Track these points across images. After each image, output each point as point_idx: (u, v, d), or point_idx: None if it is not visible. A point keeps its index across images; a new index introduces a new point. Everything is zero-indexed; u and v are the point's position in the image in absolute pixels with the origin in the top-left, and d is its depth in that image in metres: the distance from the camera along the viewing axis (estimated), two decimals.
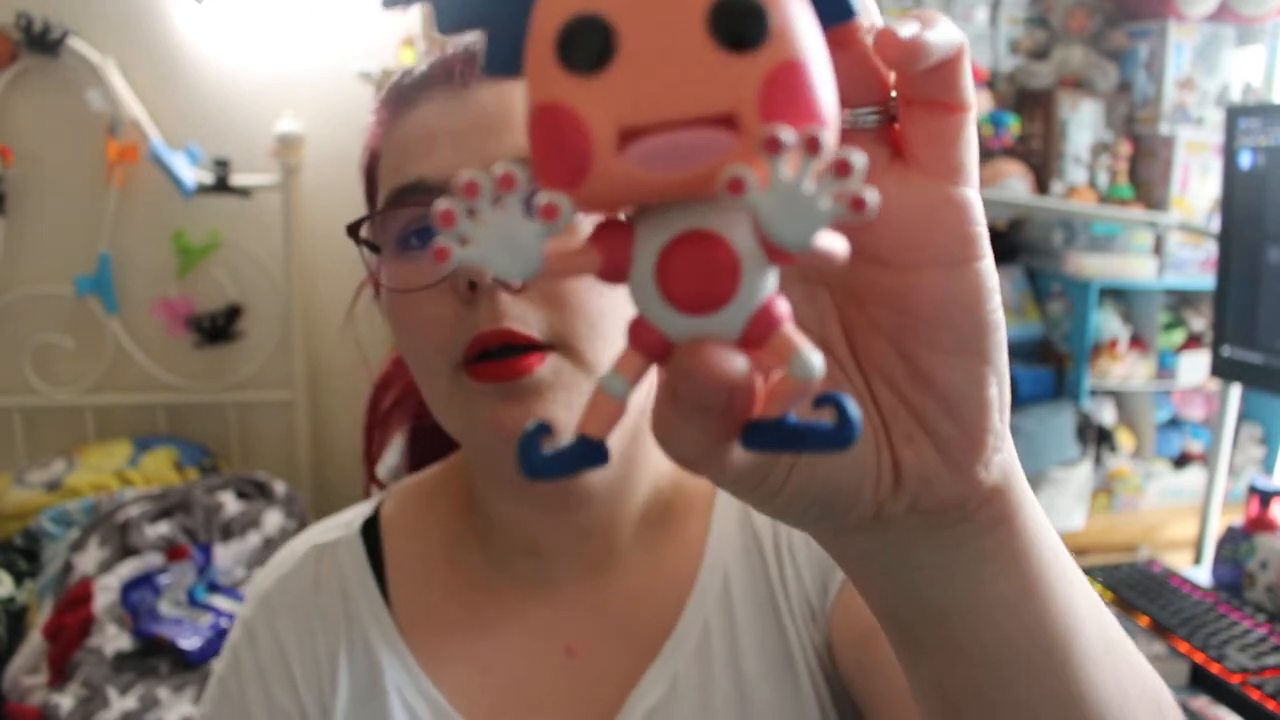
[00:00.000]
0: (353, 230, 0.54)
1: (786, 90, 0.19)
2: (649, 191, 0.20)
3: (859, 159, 0.19)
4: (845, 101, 0.24)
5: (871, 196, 0.19)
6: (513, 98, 0.51)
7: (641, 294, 0.21)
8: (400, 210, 0.52)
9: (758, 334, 0.21)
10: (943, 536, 0.28)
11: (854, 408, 0.21)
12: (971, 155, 0.25)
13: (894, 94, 0.25)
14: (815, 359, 0.21)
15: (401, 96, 0.55)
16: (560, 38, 0.20)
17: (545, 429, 0.23)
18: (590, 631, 0.59)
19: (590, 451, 0.23)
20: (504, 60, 0.21)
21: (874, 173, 0.25)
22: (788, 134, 0.18)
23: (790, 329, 0.21)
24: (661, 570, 0.60)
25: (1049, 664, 0.30)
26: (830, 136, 0.19)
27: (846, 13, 0.21)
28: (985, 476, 0.27)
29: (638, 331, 0.22)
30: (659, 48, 0.19)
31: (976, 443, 0.27)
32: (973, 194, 0.25)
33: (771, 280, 0.21)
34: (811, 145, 0.19)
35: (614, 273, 0.21)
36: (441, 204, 0.20)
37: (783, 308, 0.21)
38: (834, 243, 0.20)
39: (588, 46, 0.20)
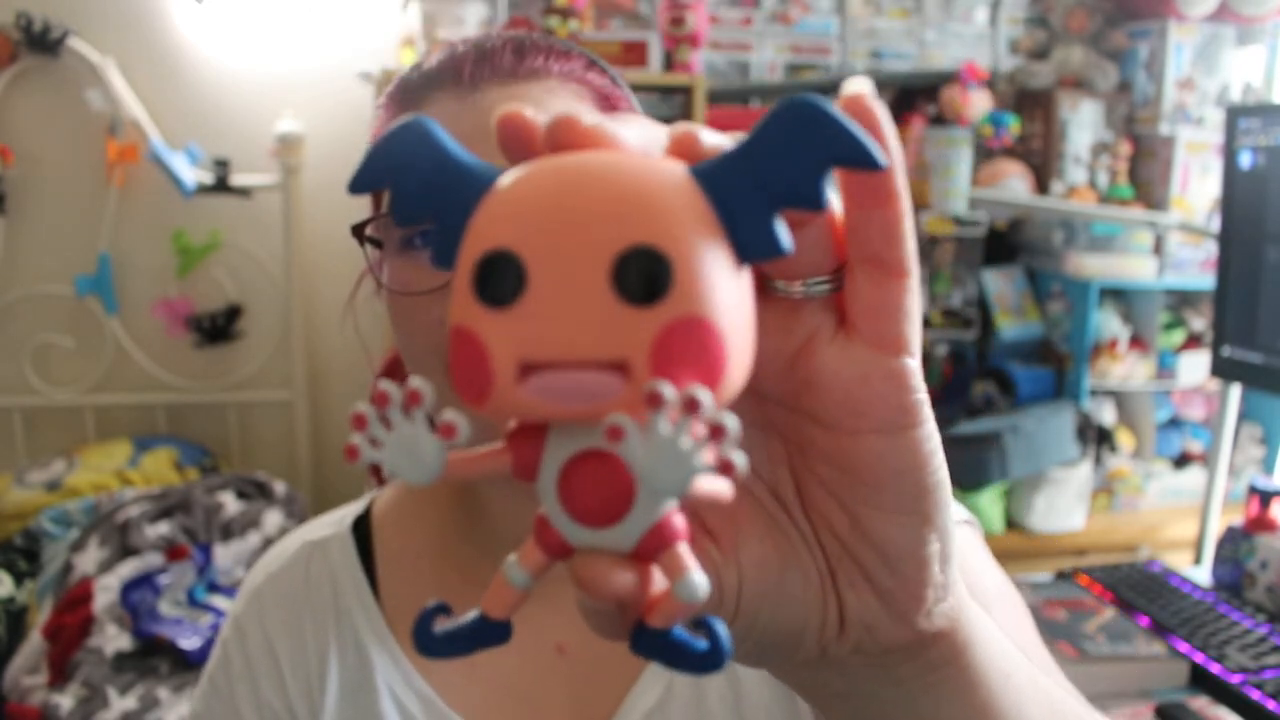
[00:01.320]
0: (357, 231, 0.54)
1: (680, 345, 0.20)
2: (543, 415, 0.21)
3: (733, 424, 0.19)
4: (798, 272, 0.25)
5: (740, 461, 0.20)
6: (522, 103, 0.51)
7: (546, 499, 0.22)
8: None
9: (650, 549, 0.22)
10: (890, 674, 0.29)
11: (724, 633, 0.23)
12: (913, 325, 0.25)
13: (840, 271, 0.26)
14: (699, 582, 0.22)
15: (409, 94, 0.54)
16: (478, 268, 0.21)
17: (442, 609, 0.24)
18: (581, 630, 0.59)
19: (489, 631, 0.24)
20: (446, 254, 0.22)
21: (818, 341, 0.25)
22: (669, 391, 0.19)
23: (682, 549, 0.22)
24: None
25: None
26: (710, 397, 0.20)
27: (774, 250, 0.21)
28: (927, 625, 0.28)
29: (542, 530, 0.23)
30: (565, 291, 0.20)
31: (915, 596, 0.27)
32: (913, 364, 0.26)
33: (667, 501, 0.22)
34: (690, 405, 0.19)
35: (525, 472, 0.22)
36: (358, 407, 0.22)
37: (678, 525, 0.22)
38: (715, 485, 0.21)
39: (500, 281, 0.21)
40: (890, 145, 0.23)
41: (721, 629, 0.23)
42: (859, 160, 0.21)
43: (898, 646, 0.28)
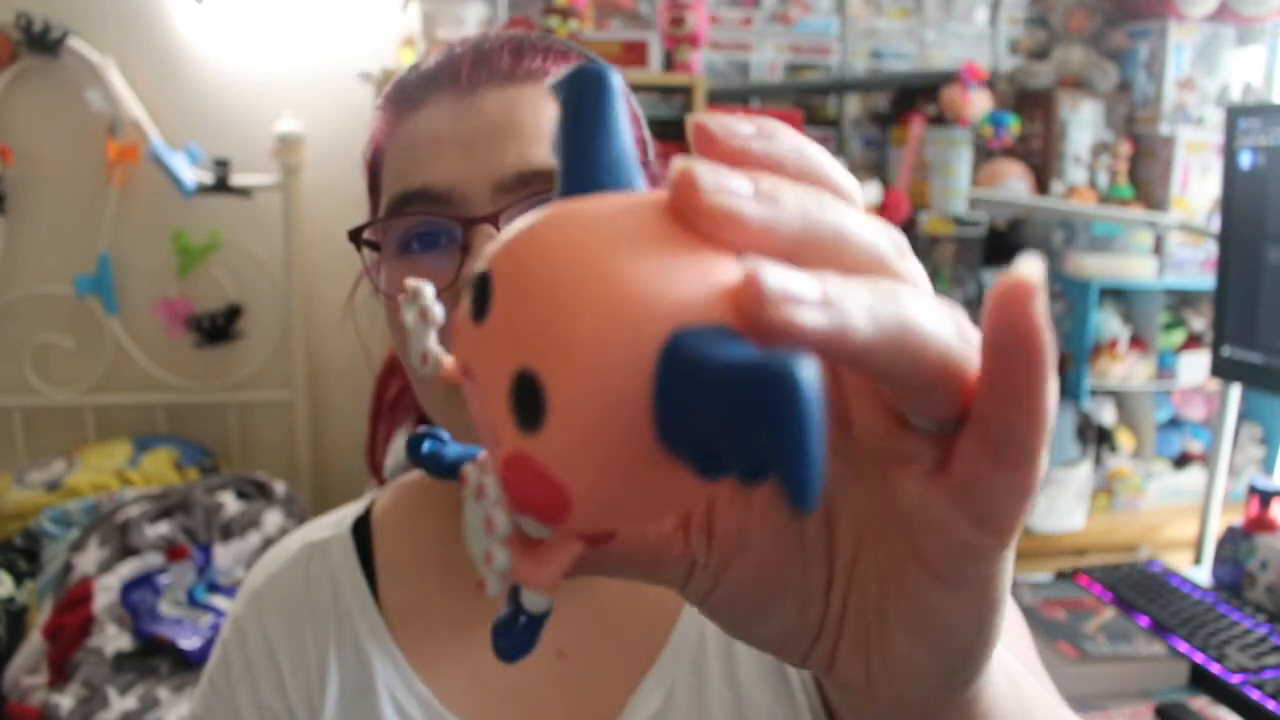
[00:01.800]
0: (355, 235, 0.54)
1: (515, 478, 0.21)
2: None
3: (502, 560, 0.22)
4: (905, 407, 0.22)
5: (493, 588, 0.23)
6: (519, 105, 0.51)
7: None
8: (400, 215, 0.52)
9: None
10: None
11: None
12: (1023, 517, 0.22)
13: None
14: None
15: (407, 95, 0.54)
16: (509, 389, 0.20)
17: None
18: (582, 635, 0.59)
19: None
20: None
21: (910, 475, 0.23)
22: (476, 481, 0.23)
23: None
24: None
25: None
26: (504, 522, 0.22)
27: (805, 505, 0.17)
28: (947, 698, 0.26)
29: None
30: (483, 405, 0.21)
31: (948, 676, 0.25)
32: (1010, 550, 0.23)
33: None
34: (488, 525, 0.22)
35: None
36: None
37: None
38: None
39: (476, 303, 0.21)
40: (1045, 349, 0.20)
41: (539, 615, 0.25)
42: (791, 488, 0.16)
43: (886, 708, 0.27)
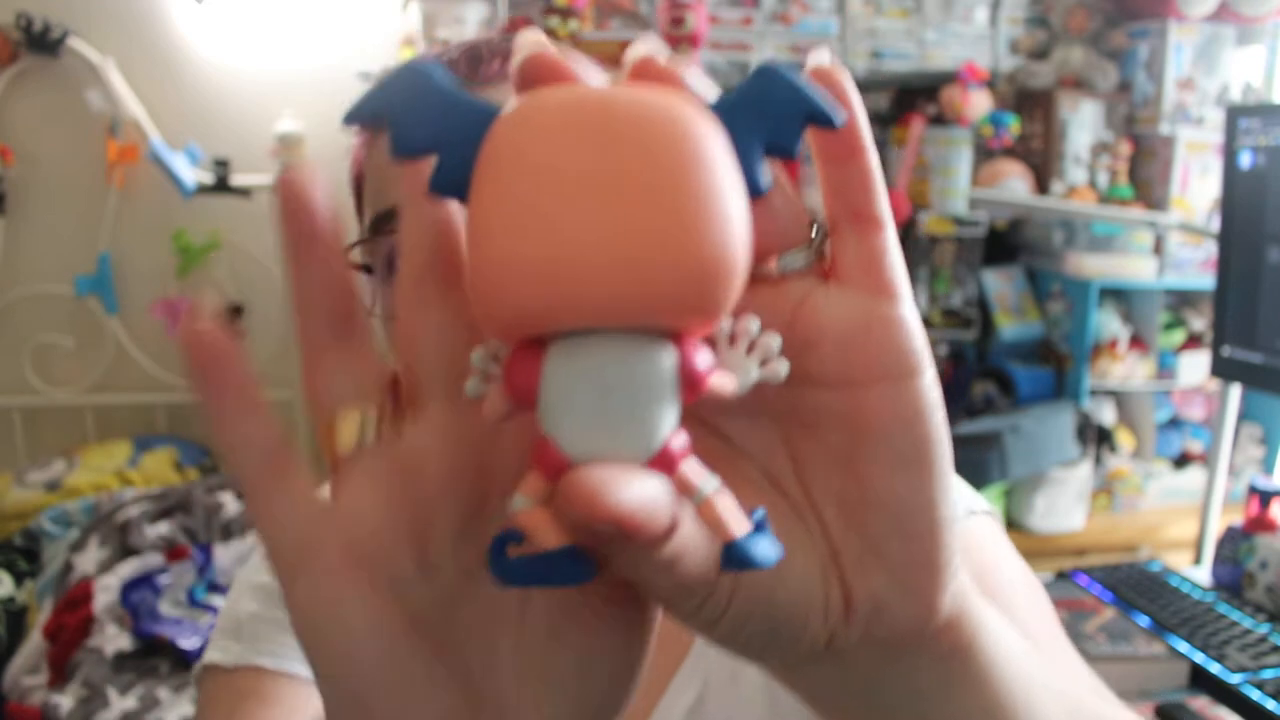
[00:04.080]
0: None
1: None
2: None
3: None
4: (770, 248, 0.25)
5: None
6: None
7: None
8: (380, 237, 0.52)
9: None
10: (899, 667, 0.28)
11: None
12: (901, 274, 0.26)
13: (814, 232, 0.26)
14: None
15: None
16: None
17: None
18: None
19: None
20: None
21: (813, 300, 0.26)
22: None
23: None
24: None
25: None
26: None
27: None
28: (939, 602, 0.27)
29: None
30: None
31: (930, 563, 0.27)
32: (908, 310, 0.26)
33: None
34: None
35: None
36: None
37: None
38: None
39: None
40: (853, 104, 0.25)
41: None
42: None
43: (908, 631, 0.27)
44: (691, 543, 0.23)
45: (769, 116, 0.23)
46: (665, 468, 0.22)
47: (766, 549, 0.22)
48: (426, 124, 0.22)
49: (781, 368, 0.23)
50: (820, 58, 0.25)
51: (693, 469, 0.22)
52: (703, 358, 0.22)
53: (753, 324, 0.23)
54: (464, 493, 0.25)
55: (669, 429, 0.22)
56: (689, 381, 0.22)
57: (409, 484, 0.25)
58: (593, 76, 0.23)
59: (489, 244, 0.21)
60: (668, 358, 0.22)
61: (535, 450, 0.22)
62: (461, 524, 0.26)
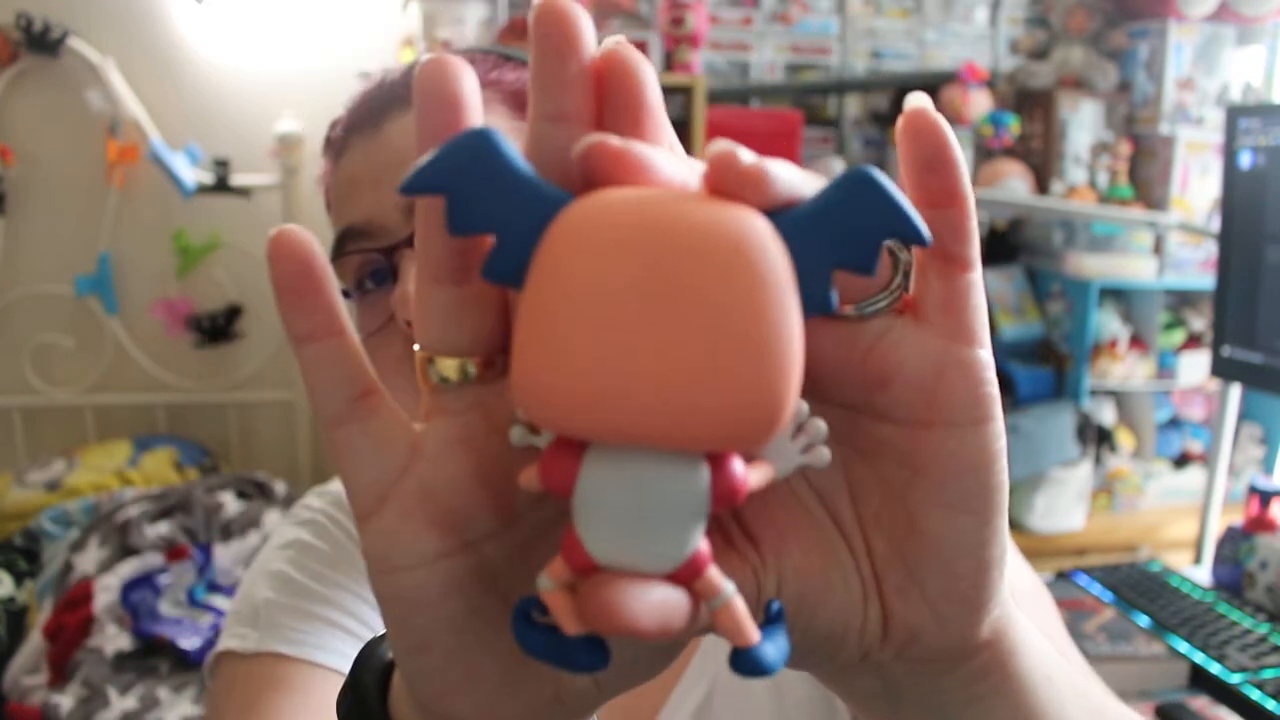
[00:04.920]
0: None
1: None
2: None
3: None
4: (850, 297, 0.26)
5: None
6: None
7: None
8: (339, 259, 0.54)
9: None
10: (933, 682, 0.29)
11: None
12: (981, 318, 0.26)
13: (897, 273, 0.26)
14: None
15: (335, 145, 0.57)
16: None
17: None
18: None
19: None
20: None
21: (890, 338, 0.26)
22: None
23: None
24: None
25: None
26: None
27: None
28: (974, 634, 0.28)
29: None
30: None
31: (970, 601, 0.27)
32: (985, 356, 0.26)
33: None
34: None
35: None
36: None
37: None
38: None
39: None
40: (954, 152, 0.25)
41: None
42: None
43: (943, 654, 0.28)
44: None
45: (848, 235, 0.22)
46: (688, 578, 0.22)
47: (774, 655, 0.23)
48: (487, 204, 0.22)
49: (825, 452, 0.24)
50: (917, 100, 0.25)
51: (713, 576, 0.22)
52: (738, 470, 0.22)
53: (802, 408, 0.24)
54: None
55: (696, 544, 0.22)
56: (723, 496, 0.22)
57: (494, 435, 0.25)
58: (664, 165, 0.22)
59: (536, 350, 0.20)
60: (703, 477, 0.22)
61: (565, 541, 0.22)
62: None
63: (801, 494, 0.28)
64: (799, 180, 0.23)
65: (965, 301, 0.26)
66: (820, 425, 0.24)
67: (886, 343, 0.26)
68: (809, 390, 0.25)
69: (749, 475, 0.23)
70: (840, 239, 0.22)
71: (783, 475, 0.24)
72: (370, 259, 0.53)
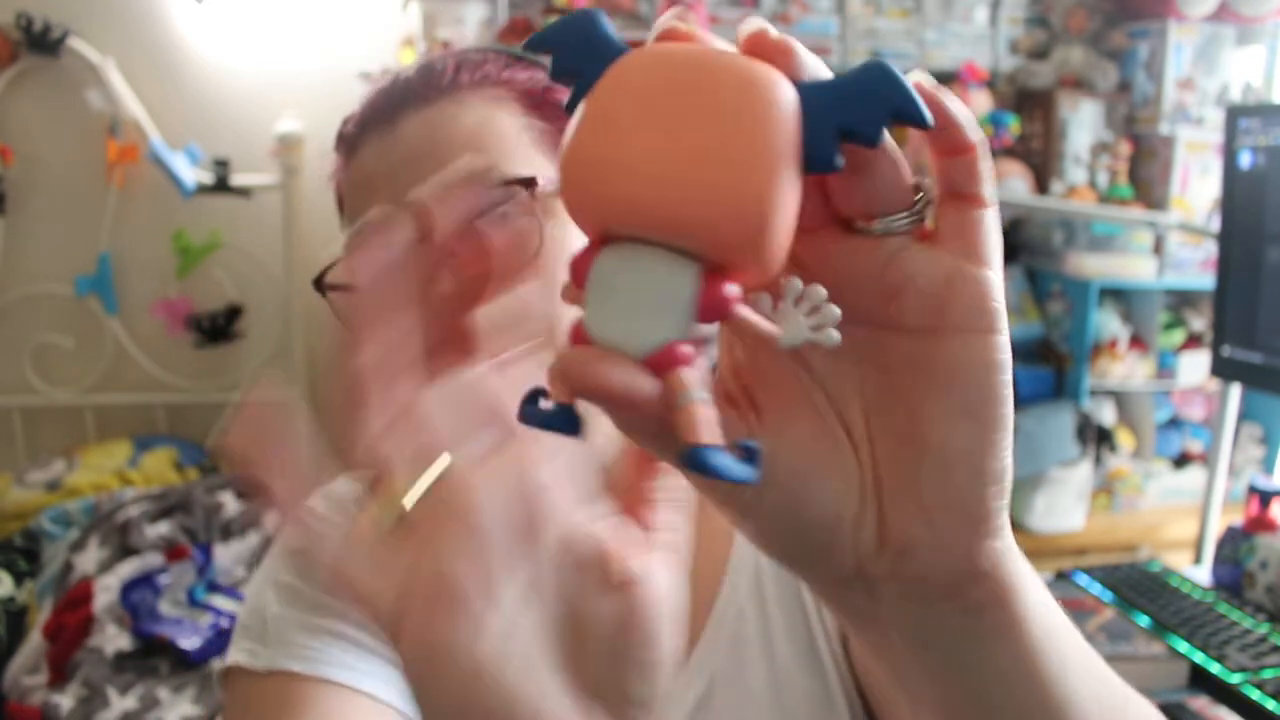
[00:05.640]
0: (317, 282, 0.54)
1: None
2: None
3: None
4: (874, 209, 0.28)
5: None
6: (435, 123, 0.53)
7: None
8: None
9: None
10: (930, 611, 0.29)
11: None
12: (994, 245, 0.28)
13: (918, 197, 0.28)
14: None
15: (348, 142, 0.57)
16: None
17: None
18: None
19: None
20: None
21: (907, 253, 0.28)
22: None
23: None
24: (698, 550, 0.60)
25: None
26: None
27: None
28: (971, 556, 0.28)
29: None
30: None
31: (967, 516, 0.28)
32: (995, 276, 0.28)
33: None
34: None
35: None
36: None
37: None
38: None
39: None
40: (955, 108, 0.27)
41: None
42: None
43: (938, 574, 0.28)
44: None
45: (856, 103, 0.25)
46: (661, 367, 0.25)
47: (727, 463, 0.25)
48: (575, 55, 0.26)
49: (833, 333, 0.25)
50: (918, 76, 0.26)
51: (687, 377, 0.25)
52: (728, 290, 0.25)
53: (815, 289, 0.26)
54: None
55: (672, 336, 0.25)
56: (709, 305, 0.25)
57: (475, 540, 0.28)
58: (718, 44, 0.26)
59: (576, 144, 0.25)
60: (692, 280, 0.25)
61: (573, 329, 0.26)
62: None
63: (817, 400, 0.29)
64: (822, 68, 0.26)
65: (978, 228, 0.28)
66: (833, 309, 0.25)
67: (903, 256, 0.27)
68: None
69: (741, 306, 0.25)
70: (849, 106, 0.25)
71: (788, 344, 0.26)
72: None
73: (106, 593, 1.73)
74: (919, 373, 0.28)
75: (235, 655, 0.61)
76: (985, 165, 0.28)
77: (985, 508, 0.28)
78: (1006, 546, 0.29)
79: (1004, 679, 0.31)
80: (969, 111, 0.27)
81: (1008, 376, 0.28)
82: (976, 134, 0.27)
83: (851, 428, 0.29)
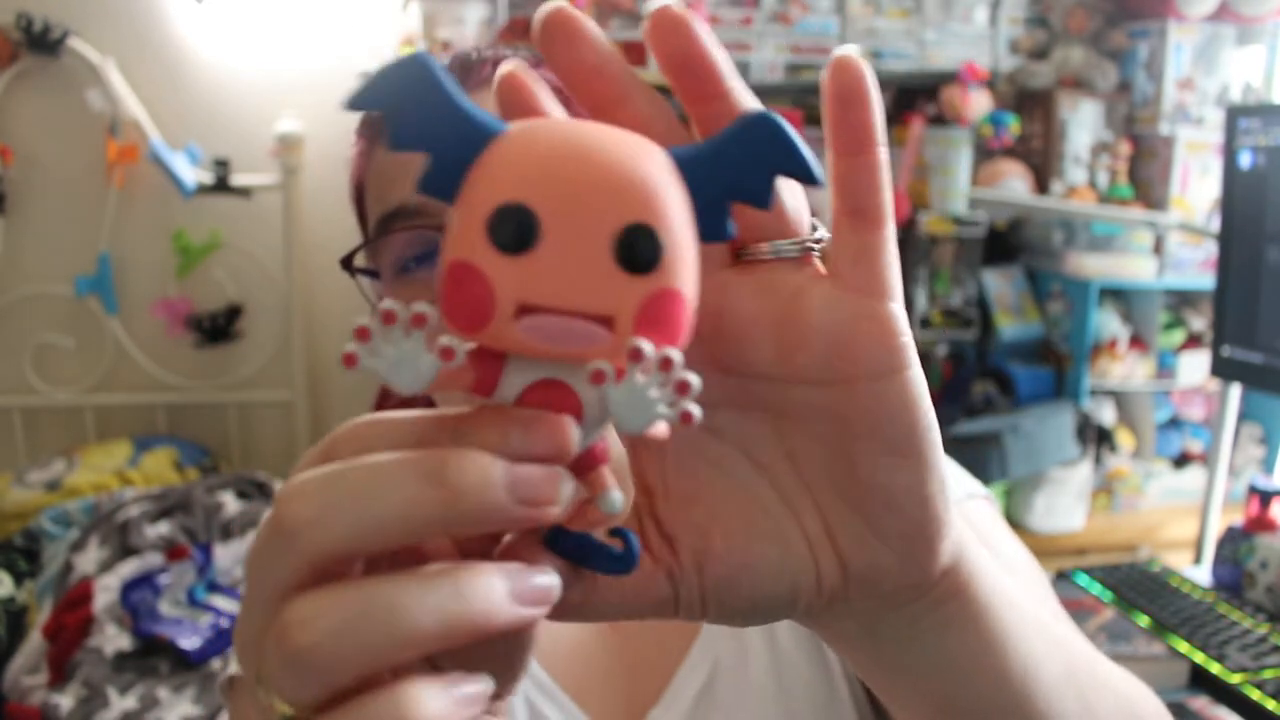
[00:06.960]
0: (346, 262, 0.55)
1: (659, 311, 0.23)
2: (531, 351, 0.24)
3: (696, 381, 0.23)
4: (763, 234, 0.27)
5: (697, 412, 0.24)
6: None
7: None
8: (388, 237, 0.53)
9: (581, 468, 0.25)
10: (900, 612, 0.30)
11: (637, 542, 0.27)
12: (894, 272, 0.27)
13: (812, 226, 0.28)
14: (617, 498, 0.26)
15: (374, 126, 0.57)
16: (494, 215, 0.23)
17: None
18: None
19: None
20: (440, 186, 0.24)
21: (804, 298, 0.27)
22: (649, 348, 0.23)
23: (605, 471, 0.26)
24: None
25: (1014, 703, 0.33)
26: (681, 357, 0.23)
27: (723, 237, 0.25)
28: (934, 565, 0.29)
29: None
30: (571, 250, 0.23)
31: (923, 535, 0.28)
32: (896, 308, 0.27)
33: (603, 431, 0.26)
34: (665, 364, 0.23)
35: (483, 390, 0.25)
36: (360, 321, 0.24)
37: (602, 450, 0.26)
38: (661, 430, 0.24)
39: (514, 231, 0.23)
40: (869, 98, 0.26)
41: (634, 539, 0.27)
42: (805, 176, 0.24)
43: (908, 586, 0.29)
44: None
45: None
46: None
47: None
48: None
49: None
50: (847, 49, 0.26)
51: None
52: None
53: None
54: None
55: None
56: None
57: None
58: (552, 106, 0.26)
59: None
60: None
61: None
62: None
63: (738, 472, 0.29)
64: (715, 47, 0.25)
65: (877, 256, 0.27)
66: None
67: (802, 302, 0.27)
68: (734, 363, 0.27)
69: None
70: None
71: (630, 429, 0.24)
72: (417, 237, 0.53)
73: (106, 593, 1.73)
74: (838, 423, 0.27)
75: (236, 667, 0.61)
76: (885, 173, 0.27)
77: (937, 522, 0.28)
78: (960, 537, 0.30)
79: (971, 656, 0.31)
80: (878, 103, 0.26)
81: (927, 404, 0.27)
82: (880, 131, 0.26)
83: (782, 486, 0.29)
